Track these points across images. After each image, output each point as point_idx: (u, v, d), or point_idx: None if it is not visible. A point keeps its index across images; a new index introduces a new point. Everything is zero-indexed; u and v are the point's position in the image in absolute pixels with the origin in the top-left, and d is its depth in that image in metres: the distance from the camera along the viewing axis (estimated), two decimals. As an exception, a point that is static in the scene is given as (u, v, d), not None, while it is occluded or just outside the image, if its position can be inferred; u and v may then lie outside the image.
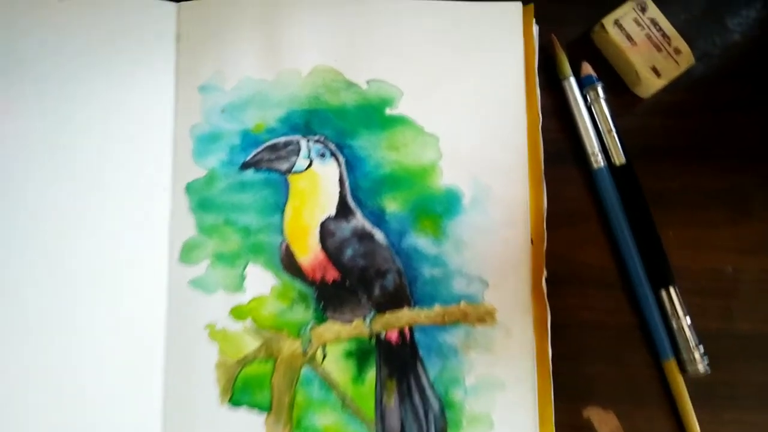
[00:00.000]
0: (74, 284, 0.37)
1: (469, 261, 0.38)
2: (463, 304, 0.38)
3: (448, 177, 0.39)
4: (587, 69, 0.41)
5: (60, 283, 0.37)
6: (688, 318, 0.38)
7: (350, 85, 0.40)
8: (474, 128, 0.39)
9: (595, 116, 0.40)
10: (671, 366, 0.38)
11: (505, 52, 0.39)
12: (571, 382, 0.37)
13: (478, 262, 0.38)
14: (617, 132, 0.40)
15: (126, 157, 0.39)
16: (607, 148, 0.40)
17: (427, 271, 0.38)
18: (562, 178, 0.40)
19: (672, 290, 0.38)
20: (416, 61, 0.39)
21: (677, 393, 0.37)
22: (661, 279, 0.38)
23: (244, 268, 0.38)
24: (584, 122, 0.40)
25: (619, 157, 0.39)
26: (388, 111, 0.39)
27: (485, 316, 0.38)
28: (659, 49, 0.39)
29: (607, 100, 0.40)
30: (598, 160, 0.40)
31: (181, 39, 0.40)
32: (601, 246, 0.40)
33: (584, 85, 0.40)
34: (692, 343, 0.38)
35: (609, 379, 0.38)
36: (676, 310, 0.38)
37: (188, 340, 0.37)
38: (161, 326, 0.37)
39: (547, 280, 0.37)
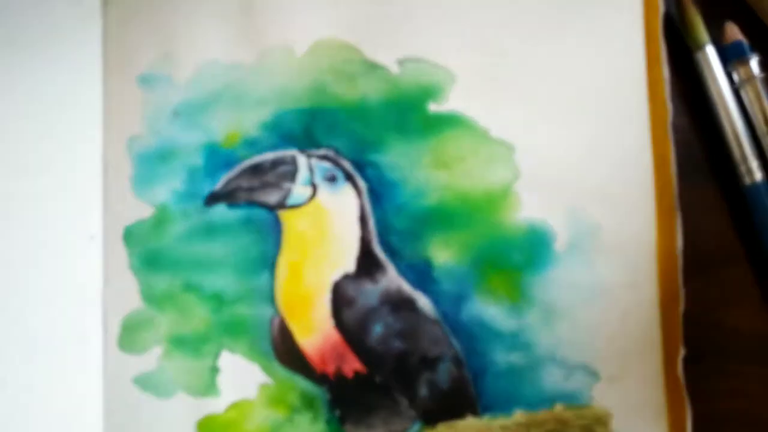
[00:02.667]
0: None
1: (566, 340, 0.33)
2: (559, 407, 0.32)
3: (529, 208, 0.33)
4: (734, 33, 0.34)
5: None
6: None
7: (373, 67, 0.34)
8: (568, 131, 0.33)
9: (747, 105, 0.34)
10: None
11: (615, 10, 0.34)
12: None
13: (581, 341, 0.32)
14: None
15: (30, 192, 0.34)
16: (767, 153, 0.34)
17: (500, 358, 0.33)
18: (696, 200, 0.34)
19: None
20: (475, 29, 0.34)
21: None
22: None
23: (216, 358, 0.33)
24: (730, 115, 0.34)
25: None
26: (432, 107, 0.34)
27: (595, 425, 0.32)
28: None
29: (766, 81, 0.34)
30: (751, 172, 0.33)
31: (109, 1, 0.35)
32: (756, 302, 0.34)
33: (729, 57, 0.34)
34: None
35: None
36: None
37: None
38: None
39: (684, 359, 0.32)
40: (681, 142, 0.34)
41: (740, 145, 0.34)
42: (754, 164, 0.33)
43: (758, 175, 0.33)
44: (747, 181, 0.34)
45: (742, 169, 0.34)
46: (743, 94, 0.34)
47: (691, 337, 0.33)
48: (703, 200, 0.35)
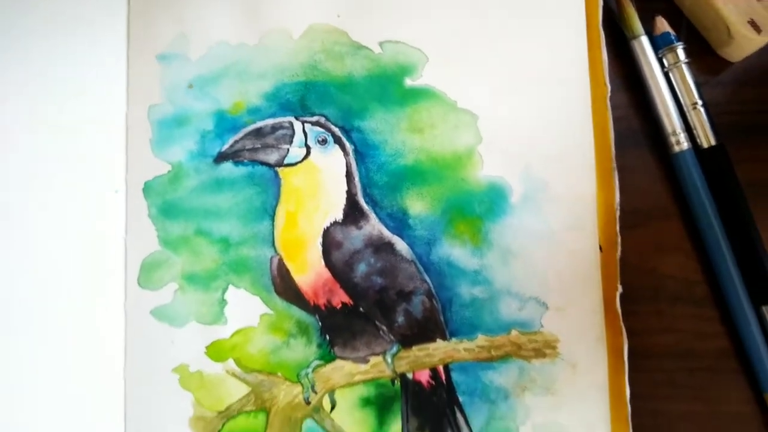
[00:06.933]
0: (5, 321, 0.35)
1: (520, 277, 0.35)
2: (514, 333, 0.35)
3: (490, 167, 0.36)
4: (663, 25, 0.38)
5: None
6: (801, 341, 0.34)
7: (358, 48, 0.37)
8: (522, 103, 0.36)
9: (675, 86, 0.37)
10: (777, 400, 0.34)
11: (560, 6, 0.37)
12: (650, 423, 0.35)
13: (533, 278, 0.35)
14: (704, 105, 0.37)
15: (63, 152, 0.36)
16: (692, 126, 0.37)
17: (465, 291, 0.35)
18: (634, 165, 0.37)
19: (778, 306, 0.35)
20: (445, 17, 0.37)
21: (786, 434, 0.34)
22: (763, 293, 0.36)
23: (224, 292, 0.36)
24: (661, 94, 0.37)
25: (707, 138, 0.37)
26: (408, 82, 0.37)
27: (544, 348, 0.35)
28: (760, -4, 0.35)
29: (690, 65, 0.37)
30: (680, 142, 0.37)
31: (134, -10, 0.37)
32: (685, 251, 0.37)
33: (659, 46, 0.37)
34: (804, 371, 0.34)
35: (698, 418, 0.36)
36: (784, 331, 0.34)
37: (153, 388, 0.35)
38: (118, 371, 0.35)
39: (621, 297, 0.35)
40: (620, 117, 0.37)
41: (670, 119, 0.37)
42: (682, 135, 0.37)
43: (685, 145, 0.37)
44: (676, 149, 0.37)
45: (672, 139, 0.37)
46: (672, 76, 0.38)
47: (629, 282, 0.35)
48: (639, 166, 0.38)
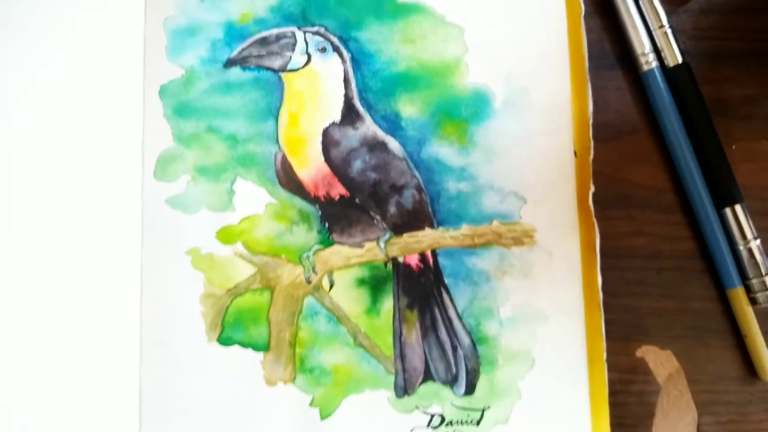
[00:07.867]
0: (28, 207, 0.37)
1: (501, 173, 0.38)
2: (495, 223, 0.38)
3: (475, 75, 0.39)
4: None
5: (8, 206, 0.37)
6: (757, 241, 0.38)
7: None
8: (505, 18, 0.39)
9: (644, 11, 0.40)
10: (738, 295, 0.38)
11: None
12: (622, 318, 0.38)
13: (513, 174, 0.38)
14: (671, 27, 0.39)
15: (86, 57, 0.38)
16: (659, 47, 0.39)
17: (451, 186, 0.38)
18: (606, 83, 0.39)
19: (738, 209, 0.38)
20: None
21: (745, 326, 0.38)
22: (725, 197, 0.38)
23: (232, 183, 0.38)
24: (631, 17, 0.40)
25: (673, 57, 0.39)
26: None
27: (522, 237, 0.38)
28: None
29: None
30: (648, 62, 0.39)
31: None
32: (654, 162, 0.39)
33: None
34: (763, 267, 0.37)
35: (666, 313, 0.38)
36: (743, 232, 0.38)
37: (168, 269, 0.37)
38: (135, 253, 0.37)
39: (593, 201, 0.37)
40: (593, 41, 0.39)
41: (639, 41, 0.39)
42: (651, 56, 0.39)
43: (653, 64, 0.39)
44: (645, 68, 0.39)
45: (641, 59, 0.39)
46: (641, 2, 0.40)
47: (603, 190, 0.38)
48: (612, 85, 0.40)
